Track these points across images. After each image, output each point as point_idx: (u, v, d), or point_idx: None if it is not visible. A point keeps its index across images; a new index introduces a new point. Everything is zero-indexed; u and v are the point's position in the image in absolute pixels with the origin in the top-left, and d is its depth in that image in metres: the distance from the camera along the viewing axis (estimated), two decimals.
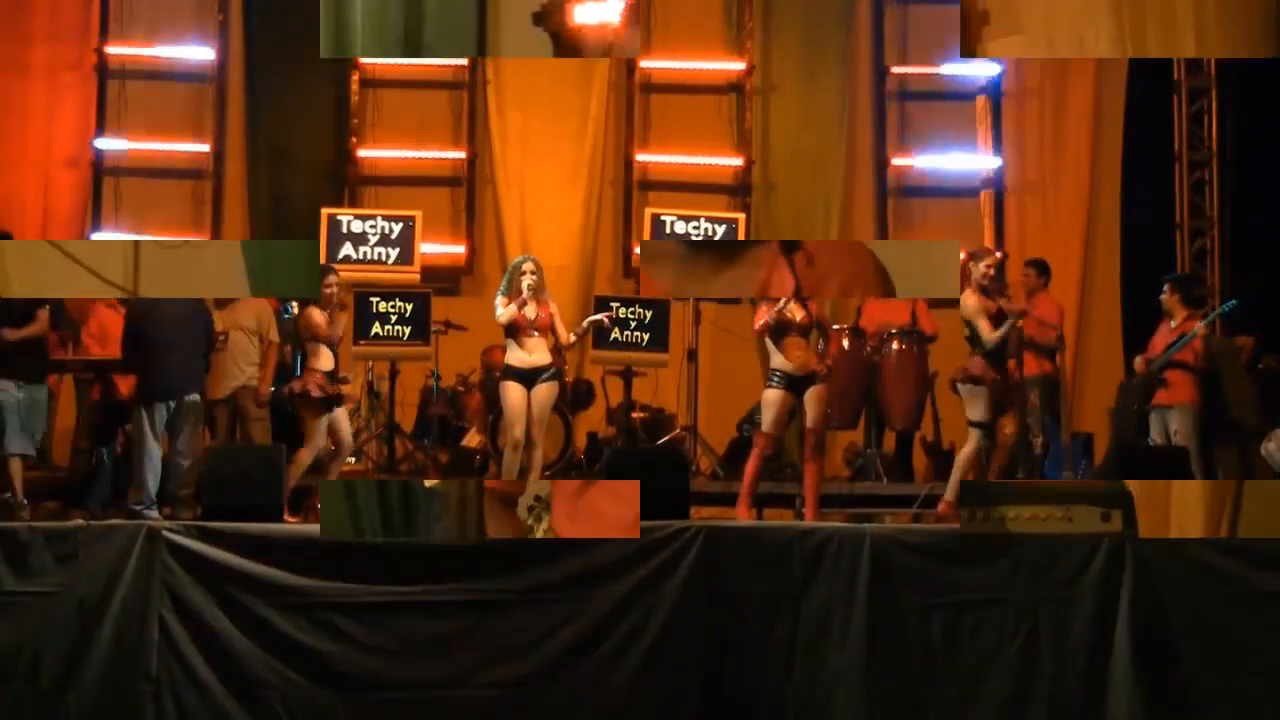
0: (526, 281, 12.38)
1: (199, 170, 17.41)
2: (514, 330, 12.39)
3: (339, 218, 15.60)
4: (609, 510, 10.43)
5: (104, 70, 17.47)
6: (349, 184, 17.36)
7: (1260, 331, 14.77)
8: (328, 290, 12.44)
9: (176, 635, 10.21)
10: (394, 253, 15.44)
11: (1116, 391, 15.03)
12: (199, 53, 17.45)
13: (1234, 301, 14.60)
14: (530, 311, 12.37)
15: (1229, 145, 18.03)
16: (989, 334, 12.09)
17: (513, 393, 12.37)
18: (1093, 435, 15.46)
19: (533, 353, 12.42)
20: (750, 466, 12.26)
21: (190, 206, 17.31)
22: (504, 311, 12.38)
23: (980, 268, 12.28)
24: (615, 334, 14.92)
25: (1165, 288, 14.16)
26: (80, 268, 10.16)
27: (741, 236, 15.50)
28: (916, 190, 18.13)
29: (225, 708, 10.16)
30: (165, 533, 10.35)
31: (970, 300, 12.16)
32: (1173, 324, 14.04)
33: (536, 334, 12.41)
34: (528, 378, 12.38)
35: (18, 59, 17.30)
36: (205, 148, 17.35)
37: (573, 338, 12.91)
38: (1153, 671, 10.55)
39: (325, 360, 12.39)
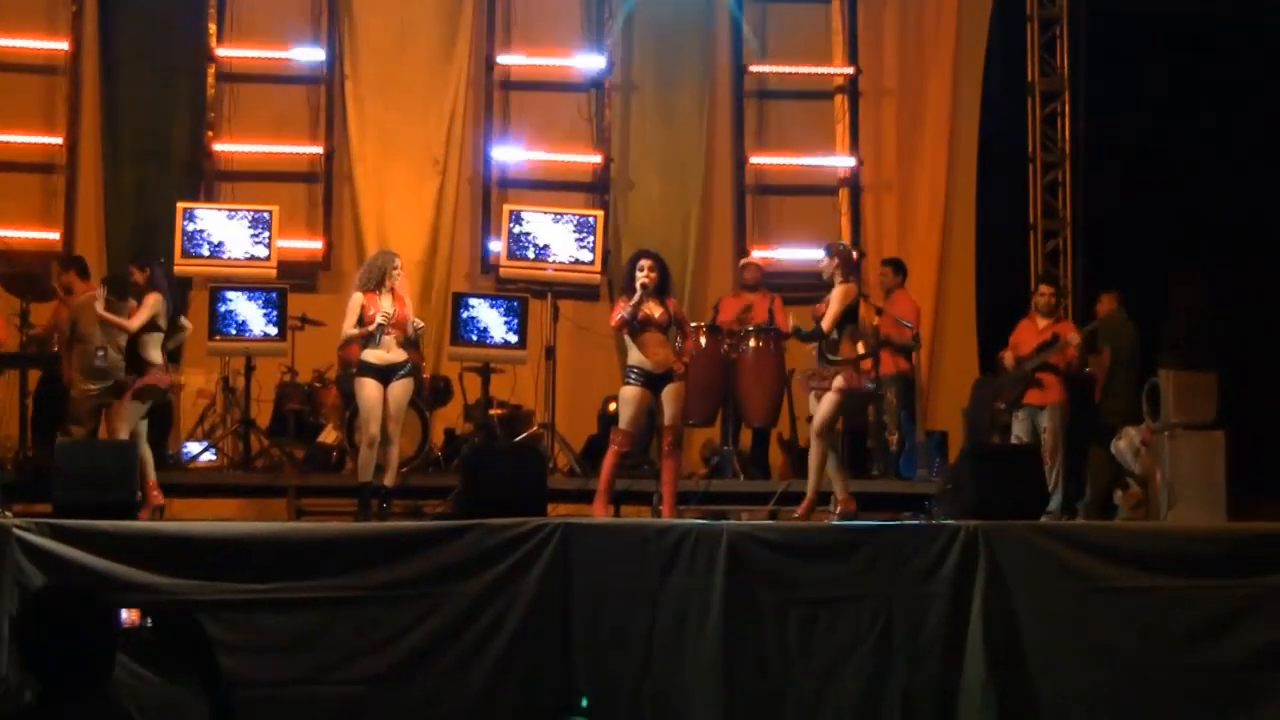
0: (394, 279, 12.46)
1: (51, 164, 17.14)
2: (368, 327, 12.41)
3: (195, 212, 15.43)
4: None
5: None
6: (206, 178, 17.18)
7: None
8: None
9: None
10: (251, 248, 15.30)
11: (972, 389, 15.20)
12: (52, 44, 17.18)
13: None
14: (387, 307, 12.36)
15: (1082, 147, 18.26)
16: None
17: (368, 389, 12.35)
18: (947, 433, 15.61)
19: (388, 349, 12.40)
20: (607, 463, 12.28)
21: (41, 200, 17.04)
22: (351, 334, 12.43)
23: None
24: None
25: (1050, 290, 14.47)
26: None
27: (599, 234, 15.49)
28: (775, 188, 18.20)
29: None
30: (16, 530, 10.20)
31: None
32: (1041, 324, 14.27)
33: (394, 331, 12.39)
34: (383, 374, 12.35)
35: None
36: (58, 140, 17.09)
37: (418, 323, 12.88)
38: (1005, 666, 10.68)
39: None
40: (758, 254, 16.84)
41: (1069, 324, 14.67)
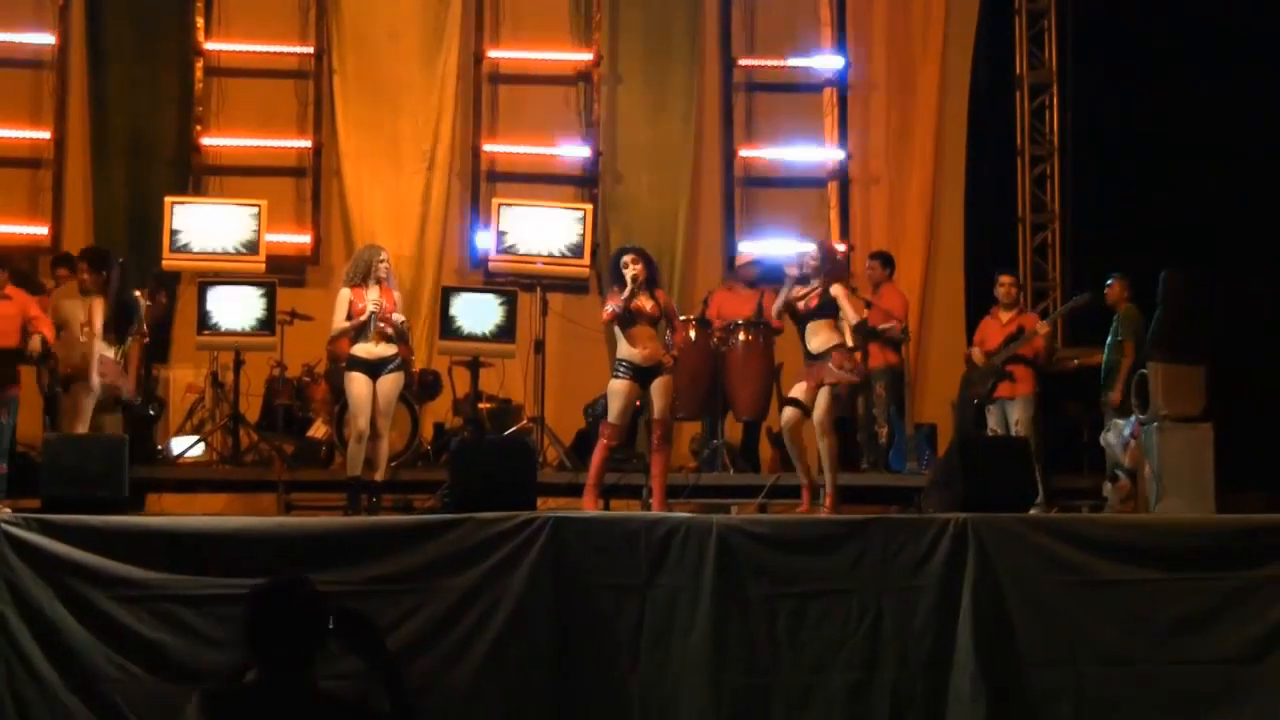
0: (380, 273, 12.44)
1: (38, 158, 17.12)
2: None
3: (183, 206, 15.42)
4: None
5: None
6: (194, 172, 17.17)
7: (1091, 326, 15.00)
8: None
9: (15, 629, 10.03)
10: (239, 242, 15.28)
11: (960, 383, 15.21)
12: (38, 38, 17.16)
13: (1087, 295, 14.82)
14: (374, 296, 12.36)
15: (1070, 140, 18.28)
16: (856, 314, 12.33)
17: (356, 384, 12.36)
18: (936, 426, 15.63)
19: (377, 343, 12.40)
20: (596, 457, 12.28)
21: (29, 195, 17.03)
22: (342, 328, 12.41)
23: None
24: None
25: (1010, 279, 14.49)
26: None
27: (588, 228, 15.49)
28: (764, 181, 18.22)
29: (65, 703, 10.00)
30: (5, 525, 10.17)
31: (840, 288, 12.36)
32: (1004, 318, 14.33)
33: (382, 324, 12.39)
34: (372, 368, 12.35)
35: None
36: (45, 134, 17.07)
37: (399, 318, 12.83)
38: (994, 659, 10.65)
39: None
40: (745, 247, 16.88)
41: (1032, 316, 14.77)
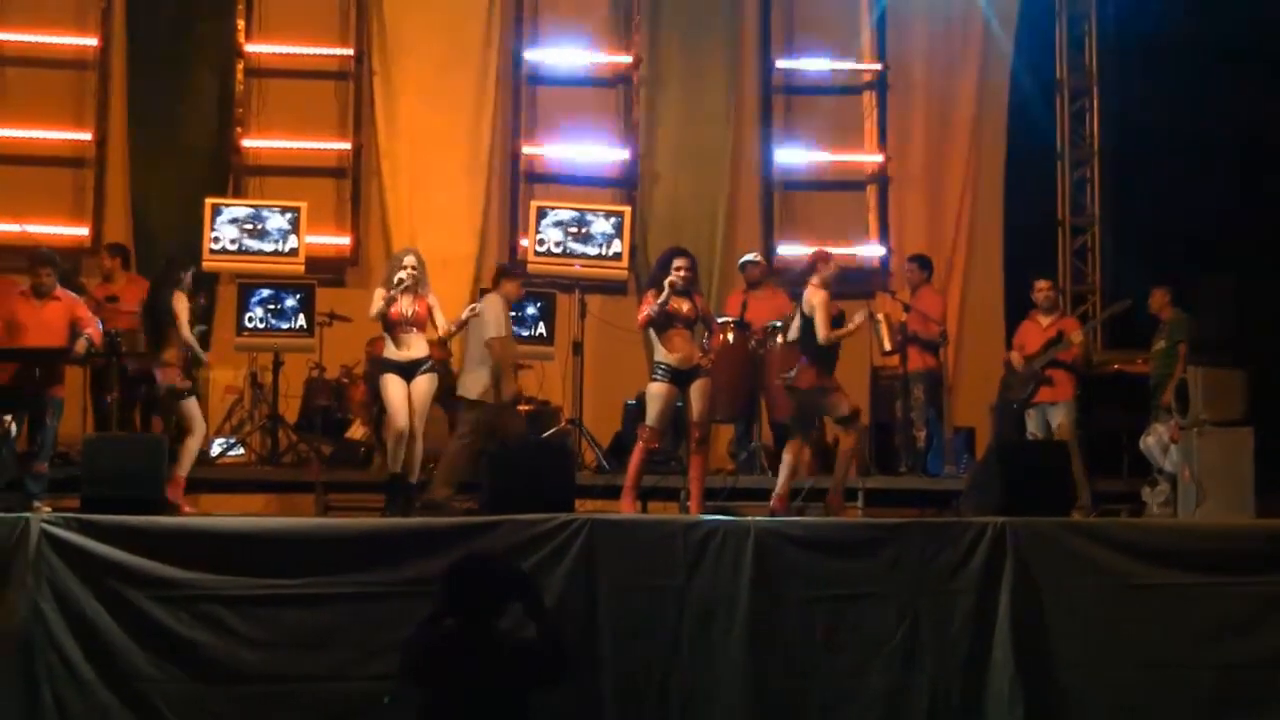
0: (402, 276, 12.31)
1: (80, 159, 17.20)
2: (390, 325, 12.33)
3: (223, 207, 15.46)
4: None
5: None
6: (234, 174, 17.22)
7: (1131, 331, 14.92)
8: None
9: (55, 628, 10.07)
10: (279, 243, 15.32)
11: (999, 386, 15.17)
12: (81, 40, 17.23)
13: (1128, 301, 14.75)
14: (406, 306, 12.29)
15: (1110, 144, 18.24)
16: (826, 331, 12.15)
17: (392, 386, 12.31)
18: (974, 429, 15.58)
19: (410, 347, 12.34)
20: (634, 459, 12.27)
21: (71, 195, 17.10)
22: (376, 307, 12.28)
23: (830, 267, 12.40)
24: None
25: (1048, 284, 14.46)
26: None
27: (627, 230, 15.49)
28: (803, 184, 18.19)
29: (103, 701, 10.04)
30: (45, 525, 10.21)
31: (818, 295, 12.24)
32: (1044, 322, 14.29)
33: (414, 329, 12.33)
34: (405, 371, 12.31)
35: None
36: (87, 135, 17.14)
37: (453, 328, 12.78)
38: (1032, 662, 10.64)
39: None
40: (784, 250, 16.85)
41: (1072, 320, 14.70)
